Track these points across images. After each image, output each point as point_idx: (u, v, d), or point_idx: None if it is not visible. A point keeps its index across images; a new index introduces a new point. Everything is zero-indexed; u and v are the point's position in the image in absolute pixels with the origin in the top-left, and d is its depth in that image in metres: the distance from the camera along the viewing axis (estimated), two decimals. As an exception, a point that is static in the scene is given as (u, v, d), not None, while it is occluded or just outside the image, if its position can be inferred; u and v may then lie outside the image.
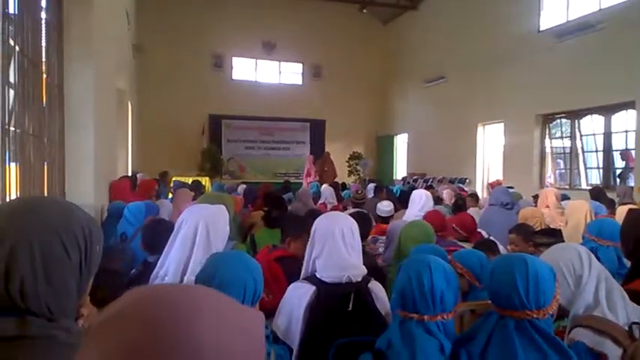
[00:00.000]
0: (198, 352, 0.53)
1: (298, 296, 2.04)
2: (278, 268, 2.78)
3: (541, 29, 11.14)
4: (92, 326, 0.56)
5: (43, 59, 3.69)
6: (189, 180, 10.12)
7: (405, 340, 1.55)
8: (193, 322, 0.54)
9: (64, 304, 1.00)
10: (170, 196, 7.25)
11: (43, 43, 3.68)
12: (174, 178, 10.77)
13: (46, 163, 3.70)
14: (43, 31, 3.67)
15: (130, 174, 8.43)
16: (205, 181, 11.40)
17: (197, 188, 7.74)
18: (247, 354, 0.58)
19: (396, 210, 5.36)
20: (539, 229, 3.90)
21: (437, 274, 1.60)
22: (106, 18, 5.08)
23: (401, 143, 17.97)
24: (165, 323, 0.54)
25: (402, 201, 6.36)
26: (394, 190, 8.68)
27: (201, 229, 2.02)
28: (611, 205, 5.99)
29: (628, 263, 2.40)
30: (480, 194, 9.74)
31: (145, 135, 13.78)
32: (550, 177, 11.36)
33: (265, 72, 17.59)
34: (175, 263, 1.98)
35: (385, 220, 4.93)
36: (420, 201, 4.93)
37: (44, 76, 3.69)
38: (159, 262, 2.03)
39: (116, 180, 5.17)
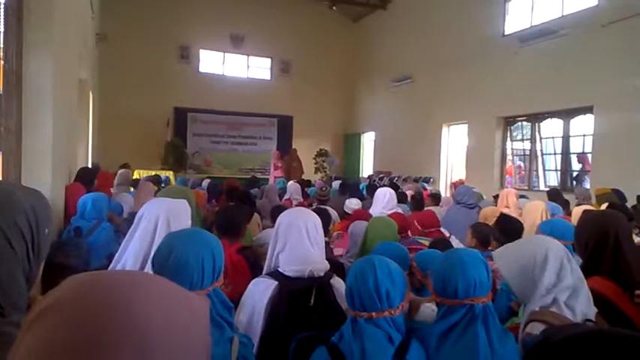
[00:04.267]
0: (144, 340, 0.51)
1: (260, 291, 2.04)
2: (241, 260, 2.80)
3: (505, 33, 11.41)
4: (30, 316, 0.53)
5: (1, 45, 3.56)
6: (152, 173, 9.95)
7: (356, 334, 1.62)
8: (138, 308, 0.52)
9: (13, 298, 0.97)
10: (131, 190, 7.10)
11: (1, 28, 3.54)
12: (136, 172, 10.58)
13: (1, 152, 3.57)
14: (1, 16, 3.53)
15: (90, 165, 8.22)
16: (170, 174, 11.22)
17: (158, 182, 7.61)
18: (194, 338, 0.56)
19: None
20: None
21: (381, 273, 1.66)
22: (68, 5, 4.92)
23: (368, 141, 18.09)
24: (107, 309, 0.51)
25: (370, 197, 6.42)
26: (360, 188, 8.73)
27: (161, 223, 1.97)
28: (567, 206, 6.21)
29: (579, 261, 2.49)
30: (443, 193, 9.92)
31: (107, 126, 13.41)
32: (511, 179, 11.68)
33: (233, 66, 17.39)
34: (133, 258, 1.91)
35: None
36: (384, 199, 5.02)
37: (1, 62, 3.55)
38: (116, 256, 1.97)
39: (70, 184, 5.00)
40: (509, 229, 3.43)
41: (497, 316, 1.72)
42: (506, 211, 5.13)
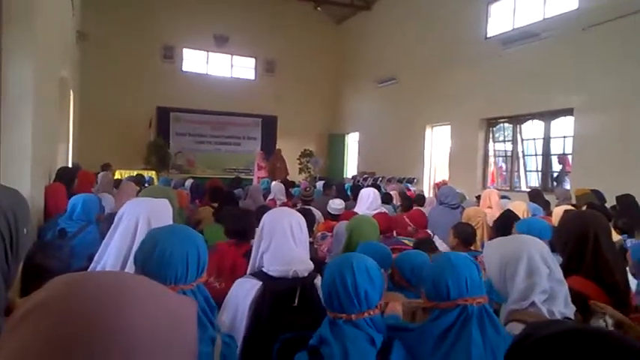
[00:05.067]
0: (131, 341, 0.50)
1: (244, 291, 2.03)
2: (245, 264, 2.74)
3: (488, 36, 11.53)
4: (14, 317, 0.52)
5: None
6: (135, 173, 9.85)
7: (336, 336, 1.59)
8: (125, 309, 0.52)
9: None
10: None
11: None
12: (118, 172, 10.47)
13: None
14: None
15: (70, 165, 8.11)
16: (153, 174, 11.13)
17: (140, 182, 7.54)
18: (180, 341, 0.56)
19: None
20: (480, 228, 4.05)
21: (360, 274, 1.62)
22: (48, 3, 4.85)
23: (352, 142, 18.15)
24: (95, 310, 0.51)
25: (353, 197, 6.46)
26: (345, 188, 8.74)
27: (142, 223, 1.92)
28: (547, 207, 6.30)
29: (559, 259, 2.52)
30: (426, 193, 10.00)
31: (88, 126, 13.23)
32: (493, 185, 11.81)
33: (217, 65, 17.30)
34: (113, 258, 1.87)
35: (335, 217, 4.98)
36: (368, 199, 5.04)
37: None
38: (95, 256, 1.92)
39: (50, 184, 4.91)
40: (507, 224, 3.46)
41: (496, 319, 1.66)
42: (488, 211, 5.19)
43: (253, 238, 3.03)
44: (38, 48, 4.10)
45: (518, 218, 3.78)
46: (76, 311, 0.51)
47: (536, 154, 10.86)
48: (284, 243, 2.10)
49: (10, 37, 3.84)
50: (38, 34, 4.10)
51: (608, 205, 5.95)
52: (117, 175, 9.92)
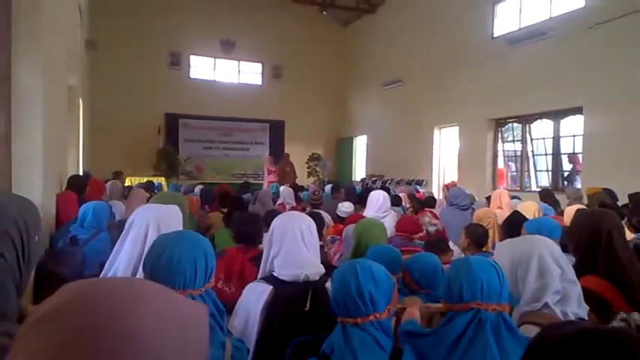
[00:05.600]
0: (142, 346, 0.51)
1: (255, 296, 2.03)
2: (252, 268, 2.75)
3: (494, 35, 11.49)
4: (27, 322, 0.53)
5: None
6: (144, 180, 9.90)
7: (347, 343, 1.58)
8: (136, 314, 0.52)
9: (3, 307, 0.96)
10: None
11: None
12: (128, 179, 10.53)
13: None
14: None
15: (81, 173, 8.17)
16: (162, 181, 11.18)
17: (150, 189, 7.57)
18: (191, 344, 0.56)
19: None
20: (491, 229, 4.02)
21: (363, 276, 1.62)
22: (56, 13, 4.90)
23: (360, 145, 18.12)
24: (107, 314, 0.51)
25: (361, 200, 6.44)
26: (357, 191, 8.71)
27: (152, 230, 1.92)
28: (557, 206, 6.25)
29: (572, 260, 2.49)
30: (435, 195, 9.95)
31: (98, 133, 13.33)
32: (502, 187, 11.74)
33: (224, 71, 17.37)
34: (125, 265, 1.87)
35: (344, 220, 4.97)
36: (378, 202, 5.02)
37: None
38: (106, 264, 1.93)
39: (62, 192, 4.94)
40: (514, 225, 3.43)
41: (517, 329, 1.62)
42: (499, 212, 5.16)
43: (261, 243, 3.04)
44: (46, 58, 4.14)
45: (526, 219, 3.75)
46: (86, 317, 0.51)
47: (546, 154, 10.78)
48: (295, 247, 2.10)
49: (18, 47, 3.88)
50: (46, 45, 4.14)
51: (620, 203, 5.89)
52: (127, 182, 9.98)
